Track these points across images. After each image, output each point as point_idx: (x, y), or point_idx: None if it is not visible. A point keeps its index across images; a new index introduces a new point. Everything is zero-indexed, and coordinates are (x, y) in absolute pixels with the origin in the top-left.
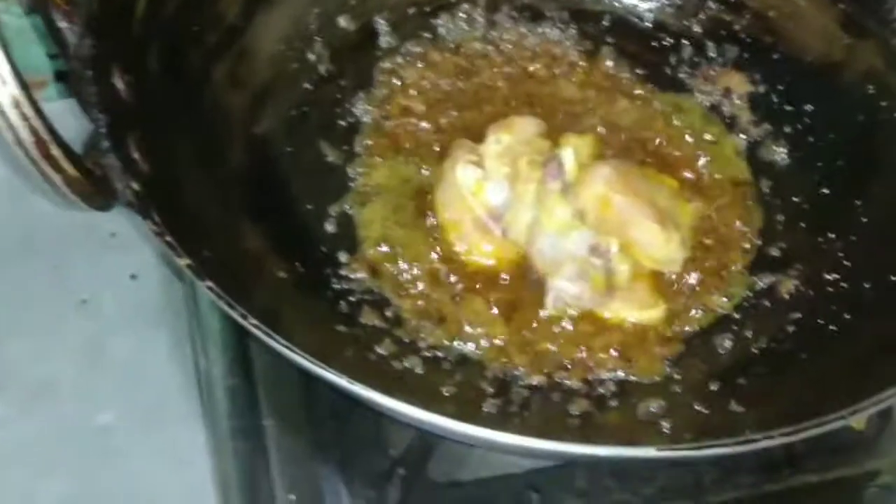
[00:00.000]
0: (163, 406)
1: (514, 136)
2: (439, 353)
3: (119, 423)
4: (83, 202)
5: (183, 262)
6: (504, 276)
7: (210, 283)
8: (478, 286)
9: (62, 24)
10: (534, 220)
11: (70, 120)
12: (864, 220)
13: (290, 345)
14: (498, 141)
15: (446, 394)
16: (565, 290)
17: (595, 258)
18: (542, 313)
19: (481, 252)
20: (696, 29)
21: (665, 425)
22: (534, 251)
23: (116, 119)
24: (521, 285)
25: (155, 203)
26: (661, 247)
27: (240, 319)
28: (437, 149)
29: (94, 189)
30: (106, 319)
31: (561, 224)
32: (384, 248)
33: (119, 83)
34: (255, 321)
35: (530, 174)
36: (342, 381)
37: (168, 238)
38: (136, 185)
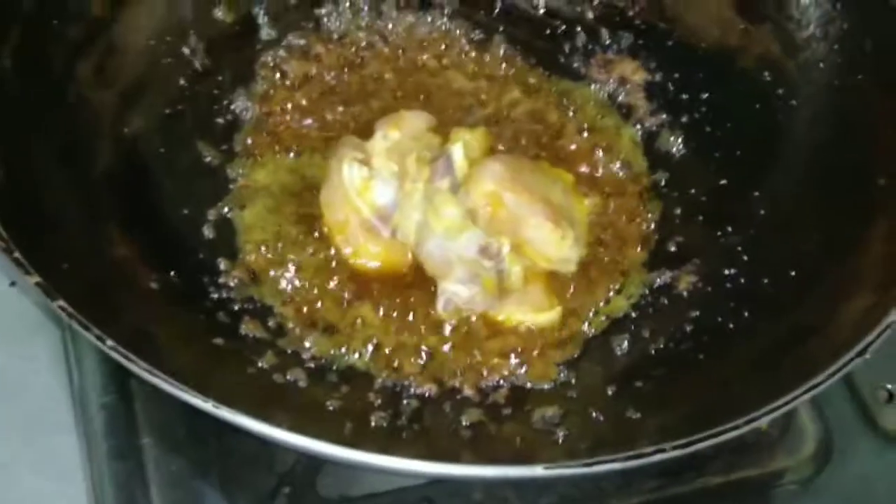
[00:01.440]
0: (41, 418)
1: (402, 131)
2: (324, 364)
3: None
4: None
5: (31, 279)
6: (392, 279)
7: (62, 303)
8: (365, 291)
9: None
10: (423, 221)
11: None
12: (763, 212)
13: (152, 369)
14: (385, 137)
15: (331, 408)
16: (456, 294)
17: (486, 260)
18: (433, 318)
19: (368, 254)
20: (590, 15)
21: (560, 434)
22: (423, 253)
23: None
24: (410, 289)
25: (4, 214)
26: (556, 246)
27: (97, 342)
28: (322, 146)
29: None
30: None
31: (450, 225)
32: (266, 253)
33: None
34: (112, 343)
35: (418, 172)
36: (209, 407)
37: (15, 255)
38: None
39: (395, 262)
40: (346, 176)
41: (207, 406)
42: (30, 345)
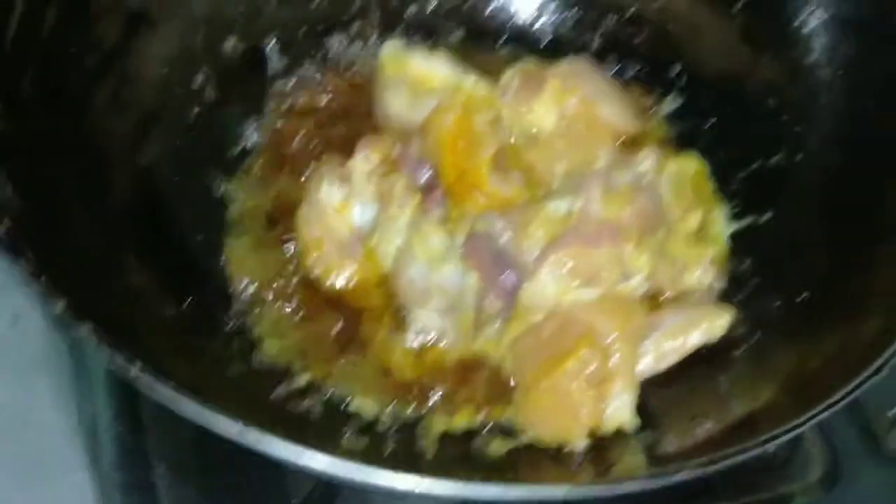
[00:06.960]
0: (47, 456)
1: (384, 154)
2: (337, 393)
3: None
4: None
5: (58, 305)
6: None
7: (89, 326)
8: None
9: None
10: (404, 247)
11: None
12: (770, 235)
13: (178, 393)
14: (367, 159)
15: (347, 434)
16: (429, 324)
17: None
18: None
19: (340, 274)
20: (596, 43)
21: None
22: (401, 279)
23: None
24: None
25: (28, 241)
26: None
27: (124, 366)
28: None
29: None
30: None
31: (435, 254)
32: (253, 284)
33: None
34: (139, 368)
35: (406, 198)
36: (234, 431)
37: (42, 280)
38: (6, 223)
39: (365, 283)
40: (324, 194)
41: (233, 431)
42: (33, 381)
